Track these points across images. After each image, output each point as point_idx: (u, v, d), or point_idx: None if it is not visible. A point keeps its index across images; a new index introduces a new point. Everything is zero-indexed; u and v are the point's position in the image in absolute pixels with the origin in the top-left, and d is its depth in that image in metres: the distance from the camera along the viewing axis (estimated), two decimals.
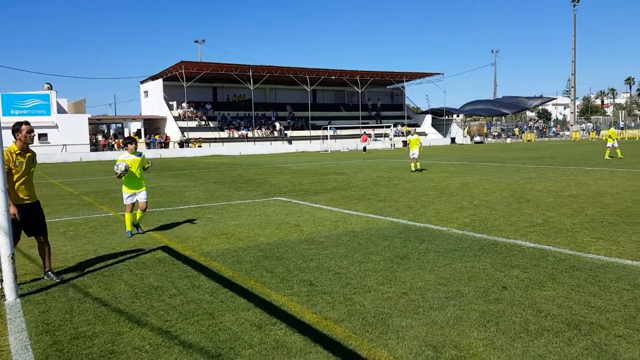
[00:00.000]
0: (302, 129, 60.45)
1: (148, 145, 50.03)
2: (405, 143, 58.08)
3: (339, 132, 58.97)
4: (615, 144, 27.17)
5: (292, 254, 7.36)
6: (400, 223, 9.55)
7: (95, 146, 50.26)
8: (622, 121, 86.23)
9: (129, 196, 9.28)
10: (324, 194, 14.40)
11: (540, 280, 5.77)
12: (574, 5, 70.85)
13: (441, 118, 69.76)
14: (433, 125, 68.97)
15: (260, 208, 12.07)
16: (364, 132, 52.19)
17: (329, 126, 54.96)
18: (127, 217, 9.20)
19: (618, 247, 7.18)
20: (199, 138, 52.38)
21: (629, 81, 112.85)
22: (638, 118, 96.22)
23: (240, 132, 55.99)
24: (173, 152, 49.22)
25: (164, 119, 55.02)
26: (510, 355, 3.91)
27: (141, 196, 9.30)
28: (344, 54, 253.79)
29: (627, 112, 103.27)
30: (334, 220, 9.99)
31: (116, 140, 51.44)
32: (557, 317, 4.67)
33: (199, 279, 6.22)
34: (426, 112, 73.82)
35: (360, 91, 62.90)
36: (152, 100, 57.71)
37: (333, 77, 60.30)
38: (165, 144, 51.51)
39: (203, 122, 56.34)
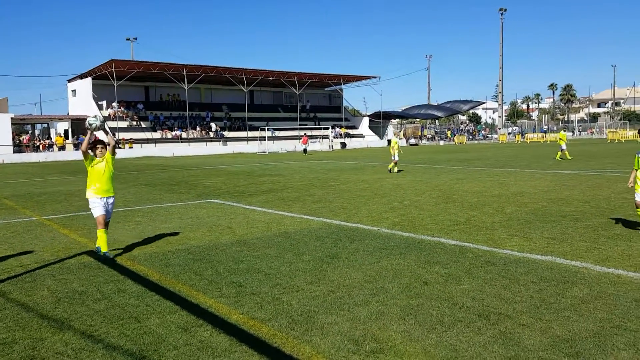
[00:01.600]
0: (239, 129, 59.93)
1: (76, 147, 47.95)
2: (344, 145, 59.06)
3: (277, 133, 58.95)
4: (564, 147, 27.47)
5: (223, 256, 7.39)
6: (333, 224, 9.77)
7: (19, 147, 47.56)
8: (545, 125, 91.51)
9: (99, 205, 7.40)
10: (259, 196, 14.45)
11: (458, 275, 6.13)
12: (502, 14, 74.60)
13: (378, 121, 71.32)
14: (370, 127, 70.38)
15: (192, 210, 11.95)
16: (305, 134, 52.46)
17: (266, 127, 54.84)
18: (102, 234, 7.33)
19: (530, 243, 7.71)
20: (130, 139, 50.72)
21: (553, 87, 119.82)
22: (560, 122, 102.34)
23: (173, 133, 54.74)
24: None
25: None
26: (425, 346, 4.17)
27: (110, 207, 7.63)
28: (282, 56, 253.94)
29: (551, 117, 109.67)
30: (267, 222, 10.08)
31: (41, 142, 48.92)
32: (470, 309, 5.00)
33: (125, 283, 6.13)
34: (368, 116, 75.22)
35: (298, 93, 63.19)
36: (81, 99, 55.35)
37: (271, 78, 60.22)
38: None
39: (134, 123, 54.63)
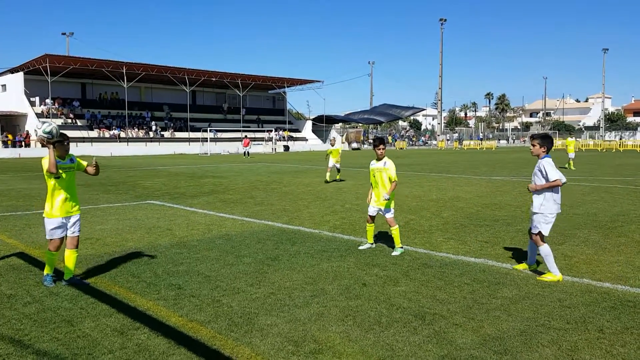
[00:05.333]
0: (180, 130, 58.66)
1: (5, 144, 45.34)
2: (287, 148, 58.95)
3: (219, 134, 58.14)
4: (572, 155, 26.24)
5: (162, 258, 7.24)
6: (274, 226, 9.78)
7: None
8: (482, 132, 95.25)
9: (58, 226, 5.94)
10: (200, 198, 14.22)
11: (396, 277, 6.31)
12: (442, 24, 77.03)
13: (321, 124, 71.83)
14: (314, 131, 70.77)
15: (130, 212, 11.61)
16: (245, 136, 52.05)
17: (209, 128, 53.96)
18: (51, 256, 5.97)
19: (465, 246, 8.04)
20: None
21: (489, 96, 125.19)
22: (496, 130, 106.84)
23: (111, 132, 52.86)
24: (34, 151, 45.05)
25: (24, 116, 50.18)
26: (363, 346, 4.27)
27: (75, 226, 6.06)
28: (226, 57, 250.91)
29: (487, 124, 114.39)
30: (208, 224, 9.95)
31: None
32: (406, 309, 5.16)
33: (58, 286, 5.88)
34: (312, 119, 75.54)
35: (241, 94, 62.64)
36: (11, 95, 52.36)
37: (214, 79, 59.33)
38: (25, 143, 47.02)
39: (70, 121, 52.29)
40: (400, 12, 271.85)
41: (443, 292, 5.74)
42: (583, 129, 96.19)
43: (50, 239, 5.95)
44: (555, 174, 6.22)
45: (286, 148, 59.50)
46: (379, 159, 7.75)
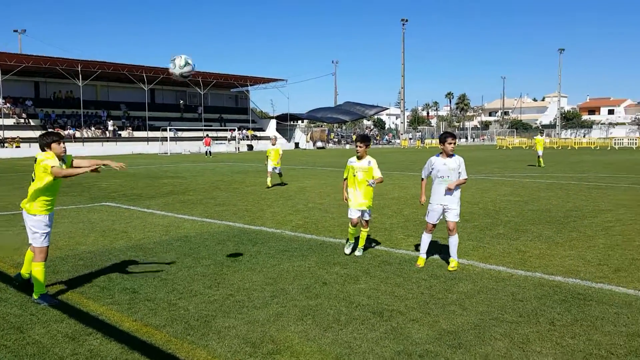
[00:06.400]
0: (138, 129, 57.36)
1: None
2: (251, 147, 58.51)
3: (180, 134, 57.17)
4: (540, 153, 26.37)
5: (117, 261, 7.05)
6: (235, 227, 9.68)
7: None
8: (442, 131, 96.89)
9: (45, 230, 5.62)
10: (158, 199, 13.94)
11: (356, 275, 6.34)
12: (403, 25, 77.99)
13: (285, 123, 71.61)
14: (278, 130, 70.46)
15: (84, 214, 11.27)
16: (207, 135, 51.36)
17: (168, 127, 52.99)
18: (40, 267, 5.41)
19: None
20: (17, 137, 46.80)
21: (450, 95, 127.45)
22: (457, 129, 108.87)
23: (66, 132, 51.23)
24: None
25: None
26: (321, 345, 4.27)
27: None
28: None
29: (448, 124, 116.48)
30: (166, 226, 9.76)
31: None
32: (365, 306, 5.19)
33: (7, 292, 5.66)
34: (275, 117, 75.15)
35: (202, 92, 61.74)
36: None
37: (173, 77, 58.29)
38: None
39: (22, 120, 50.45)
40: (363, 12, 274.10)
41: (401, 288, 5.80)
42: (540, 127, 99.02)
43: (46, 246, 5.45)
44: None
45: (250, 147, 59.08)
46: (360, 158, 7.29)
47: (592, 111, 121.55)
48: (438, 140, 6.92)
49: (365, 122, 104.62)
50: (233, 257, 7.23)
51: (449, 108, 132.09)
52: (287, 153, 50.41)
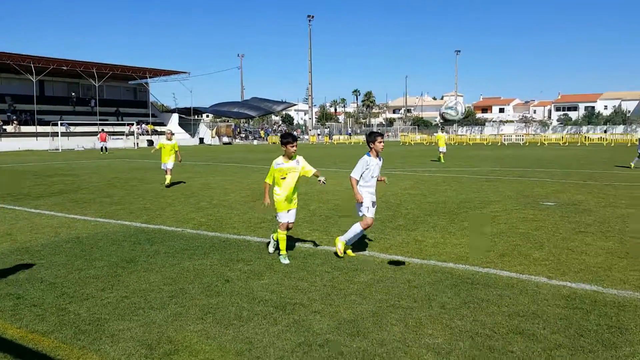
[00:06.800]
0: (26, 124, 52.99)
1: None
2: (151, 142, 56.13)
3: (72, 129, 53.57)
4: (443, 149, 27.28)
5: None
6: (132, 226, 9.25)
7: None
8: (350, 128, 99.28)
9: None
10: (47, 198, 12.97)
11: (260, 271, 6.31)
12: (309, 21, 78.70)
13: (189, 118, 69.50)
14: (180, 124, 68.16)
15: None
16: (102, 130, 48.61)
17: (60, 122, 49.46)
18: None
19: (328, 237, 8.29)
20: None
21: (356, 92, 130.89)
22: (363, 125, 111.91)
23: None
24: None
25: None
26: (221, 342, 4.20)
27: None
28: (80, 45, 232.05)
29: (355, 120, 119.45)
30: (55, 227, 9.10)
31: None
32: (268, 301, 5.19)
33: None
34: (172, 111, 72.55)
35: (97, 85, 58.17)
36: None
37: (65, 68, 54.31)
38: None
39: None
40: (269, 6, 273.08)
41: (305, 282, 5.86)
42: (439, 124, 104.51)
43: None
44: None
45: (150, 143, 56.68)
46: (290, 158, 6.88)
47: (485, 109, 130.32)
48: (366, 140, 6.98)
49: (273, 117, 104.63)
50: (129, 258, 6.90)
51: (355, 105, 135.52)
52: (191, 149, 49.08)
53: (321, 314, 4.82)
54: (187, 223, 9.53)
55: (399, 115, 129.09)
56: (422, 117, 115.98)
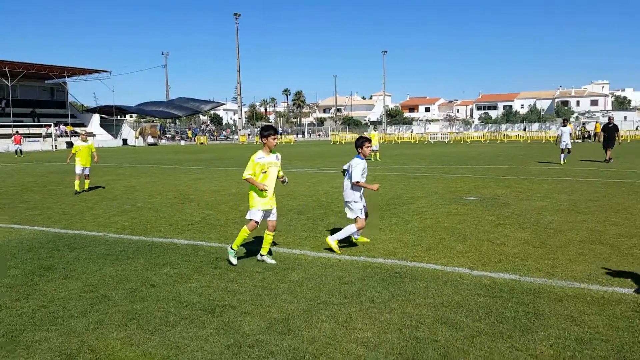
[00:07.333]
0: None
1: None
2: (71, 144, 53.26)
3: None
4: (376, 147, 27.47)
5: None
6: (50, 232, 8.73)
7: None
8: (281, 127, 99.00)
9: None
10: None
11: (187, 274, 6.14)
12: (236, 19, 77.67)
13: (111, 118, 66.58)
14: (102, 125, 65.15)
15: None
16: (17, 132, 45.61)
17: None
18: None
19: (260, 237, 8.19)
20: None
21: (286, 92, 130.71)
22: (294, 125, 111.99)
23: None
24: None
25: None
26: (146, 348, 4.05)
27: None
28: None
29: (286, 119, 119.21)
30: None
31: None
32: (196, 305, 5.05)
33: None
34: (93, 110, 69.19)
35: (10, 84, 54.53)
36: None
37: None
38: None
39: None
40: (194, 4, 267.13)
41: (235, 283, 5.76)
42: (369, 123, 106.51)
43: None
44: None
45: (69, 144, 53.76)
46: (270, 151, 6.60)
47: (412, 109, 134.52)
48: (355, 144, 7.38)
49: (201, 117, 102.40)
50: (46, 265, 6.50)
51: (286, 104, 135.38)
52: (113, 151, 47.10)
53: (251, 315, 4.75)
54: (110, 227, 9.13)
55: (329, 115, 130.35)
56: (352, 117, 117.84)
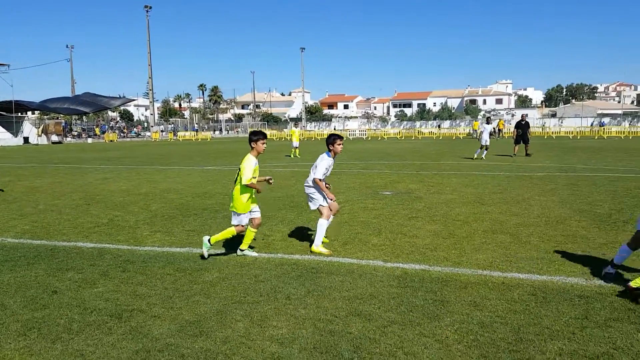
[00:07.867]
0: None
1: None
2: None
3: None
4: (297, 144, 27.96)
5: None
6: None
7: None
8: (197, 124, 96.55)
9: None
10: None
11: (93, 279, 5.82)
12: (147, 12, 74.67)
13: (10, 115, 61.69)
14: (0, 123, 60.31)
15: None
16: None
17: None
18: None
19: (171, 238, 7.96)
20: None
21: (202, 87, 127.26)
22: (211, 121, 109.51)
23: None
24: None
25: None
26: (48, 358, 3.80)
27: None
28: None
29: (202, 116, 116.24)
30: None
31: None
32: (102, 310, 4.80)
33: None
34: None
35: None
36: None
37: None
38: None
39: None
40: None
41: (144, 286, 5.54)
42: (289, 120, 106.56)
43: None
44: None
45: None
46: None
47: (331, 106, 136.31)
48: (326, 142, 7.03)
49: (110, 113, 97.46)
50: None
51: (202, 100, 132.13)
52: (13, 150, 43.79)
53: (161, 318, 4.59)
54: (8, 232, 8.47)
55: (247, 111, 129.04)
56: (271, 113, 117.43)
